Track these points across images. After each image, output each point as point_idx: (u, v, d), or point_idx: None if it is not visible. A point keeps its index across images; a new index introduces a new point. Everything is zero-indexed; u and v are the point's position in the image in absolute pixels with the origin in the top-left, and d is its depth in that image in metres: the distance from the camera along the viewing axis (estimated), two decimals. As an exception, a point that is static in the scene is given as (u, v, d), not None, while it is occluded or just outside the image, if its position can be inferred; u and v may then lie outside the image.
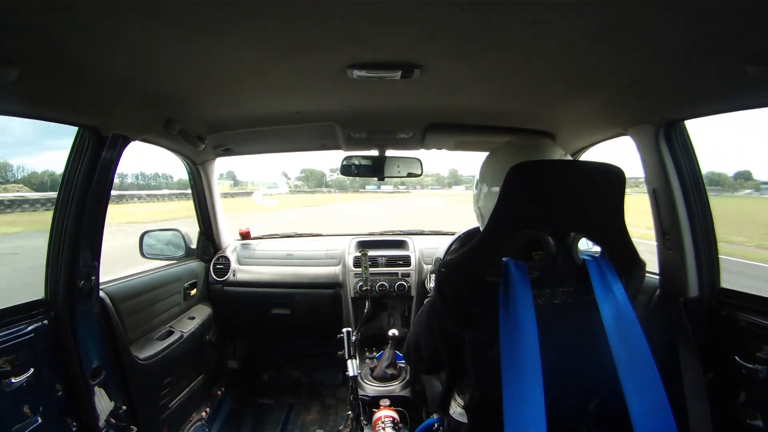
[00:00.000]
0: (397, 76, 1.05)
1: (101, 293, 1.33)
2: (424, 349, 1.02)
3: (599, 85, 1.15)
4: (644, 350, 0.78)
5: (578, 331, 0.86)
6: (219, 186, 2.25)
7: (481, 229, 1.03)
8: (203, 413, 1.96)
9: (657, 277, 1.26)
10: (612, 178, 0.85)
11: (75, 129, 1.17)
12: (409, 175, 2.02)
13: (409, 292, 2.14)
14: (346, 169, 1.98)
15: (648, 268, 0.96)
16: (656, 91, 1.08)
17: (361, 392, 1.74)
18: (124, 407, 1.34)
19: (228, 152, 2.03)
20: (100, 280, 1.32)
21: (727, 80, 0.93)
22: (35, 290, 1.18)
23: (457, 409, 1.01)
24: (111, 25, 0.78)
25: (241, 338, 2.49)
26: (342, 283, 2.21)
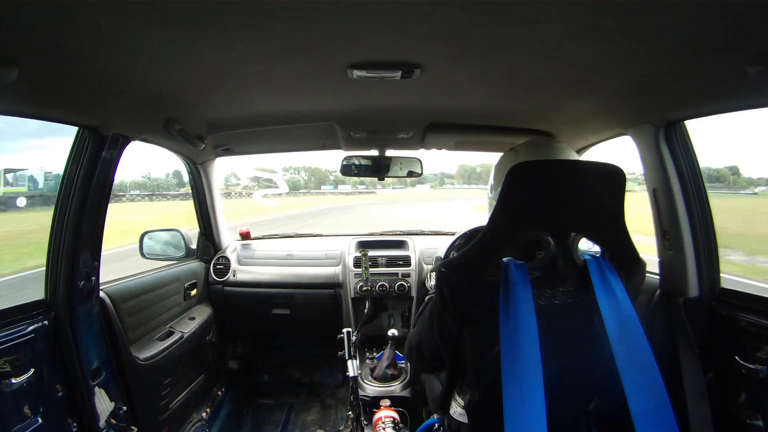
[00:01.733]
0: (397, 76, 1.05)
1: (101, 293, 1.33)
2: (426, 349, 1.02)
3: (599, 85, 1.15)
4: (645, 350, 0.78)
5: (578, 331, 0.86)
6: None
7: None
8: (203, 413, 1.96)
9: (657, 276, 1.26)
10: (612, 178, 0.85)
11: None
12: (410, 174, 2.02)
13: (410, 293, 2.13)
14: (346, 169, 1.99)
15: (648, 268, 0.96)
16: (656, 92, 1.08)
17: (361, 392, 1.73)
18: (125, 407, 1.34)
19: (228, 152, 2.03)
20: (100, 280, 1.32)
21: (727, 80, 0.93)
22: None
23: (457, 410, 1.01)
24: (111, 25, 0.78)
25: (242, 338, 2.49)
26: (342, 283, 2.21)
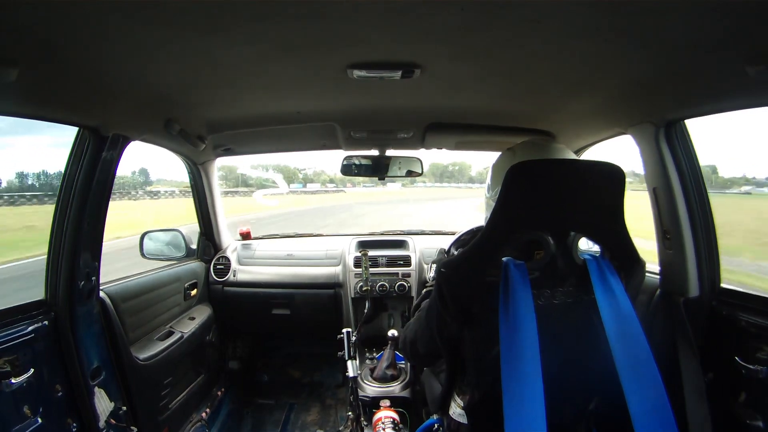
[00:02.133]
0: (397, 76, 1.05)
1: (101, 293, 1.33)
2: (421, 346, 1.02)
3: (599, 85, 1.15)
4: (644, 349, 0.78)
5: (578, 331, 0.86)
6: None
7: None
8: (203, 414, 1.96)
9: (657, 276, 1.26)
10: (611, 177, 0.85)
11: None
12: (409, 173, 2.02)
13: (410, 293, 2.13)
14: (347, 169, 1.98)
15: (648, 268, 0.96)
16: (656, 91, 1.08)
17: (361, 393, 1.73)
18: (124, 408, 1.34)
19: (228, 152, 2.03)
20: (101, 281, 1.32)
21: (727, 80, 0.93)
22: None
23: (456, 410, 1.00)
24: (111, 25, 0.78)
25: (242, 338, 2.49)
26: (342, 283, 2.21)
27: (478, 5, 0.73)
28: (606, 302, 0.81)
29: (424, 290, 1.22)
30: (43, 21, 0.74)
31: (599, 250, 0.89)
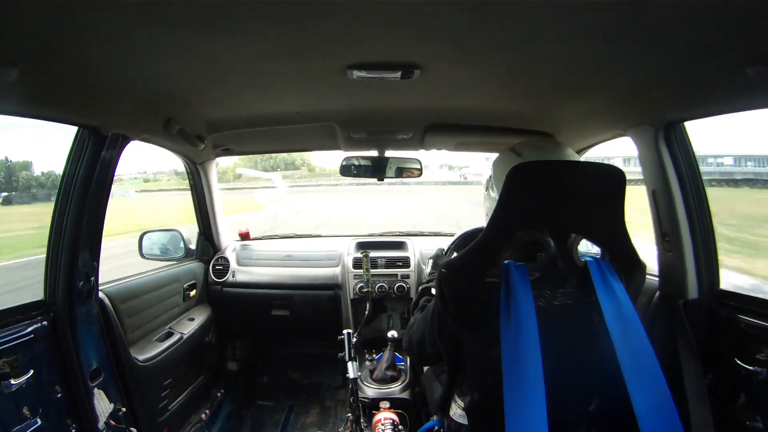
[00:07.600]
0: (397, 76, 1.05)
1: (101, 294, 1.33)
2: (429, 346, 1.02)
3: (599, 86, 1.15)
4: (648, 350, 0.78)
5: (579, 333, 0.86)
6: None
7: None
8: (203, 415, 1.95)
9: (657, 278, 1.26)
10: (612, 179, 0.85)
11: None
12: (409, 174, 2.02)
13: (409, 294, 2.13)
14: (346, 170, 1.98)
15: (647, 270, 0.96)
16: (656, 93, 1.09)
17: (360, 394, 1.73)
18: (124, 409, 1.33)
19: (228, 152, 2.03)
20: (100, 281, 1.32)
21: (727, 81, 0.94)
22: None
23: (457, 411, 1.00)
24: (111, 25, 0.78)
25: (241, 339, 2.48)
26: (341, 284, 2.21)
27: (478, 6, 0.73)
28: (608, 303, 0.81)
29: (421, 287, 1.22)
30: (43, 21, 0.74)
31: (600, 251, 0.90)
